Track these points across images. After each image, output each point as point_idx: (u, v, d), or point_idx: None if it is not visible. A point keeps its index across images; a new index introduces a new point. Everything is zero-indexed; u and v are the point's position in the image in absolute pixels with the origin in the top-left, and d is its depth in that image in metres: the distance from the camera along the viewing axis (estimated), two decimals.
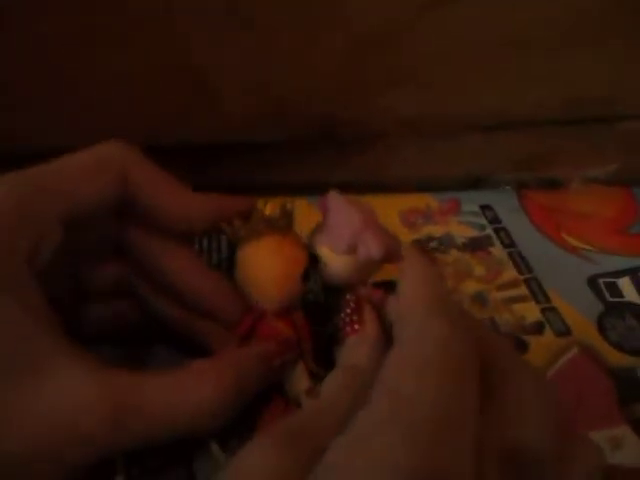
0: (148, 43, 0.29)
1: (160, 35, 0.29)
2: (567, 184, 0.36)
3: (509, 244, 0.33)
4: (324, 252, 0.22)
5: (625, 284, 0.30)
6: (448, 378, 0.15)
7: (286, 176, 0.35)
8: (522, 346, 0.28)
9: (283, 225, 0.22)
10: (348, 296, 0.22)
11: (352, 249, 0.21)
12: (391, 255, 0.21)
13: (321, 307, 0.23)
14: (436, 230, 0.34)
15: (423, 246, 0.33)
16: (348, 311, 0.21)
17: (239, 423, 0.20)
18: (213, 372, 0.19)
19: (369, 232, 0.21)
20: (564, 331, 0.28)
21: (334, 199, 0.22)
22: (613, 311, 0.29)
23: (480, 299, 0.30)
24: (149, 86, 0.31)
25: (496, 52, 0.31)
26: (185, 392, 0.18)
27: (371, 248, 0.20)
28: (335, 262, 0.22)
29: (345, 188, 0.26)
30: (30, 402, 0.16)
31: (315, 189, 0.35)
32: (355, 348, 0.20)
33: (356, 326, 0.21)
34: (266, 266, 0.22)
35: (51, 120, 0.32)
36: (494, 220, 0.34)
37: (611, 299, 0.30)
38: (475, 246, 0.33)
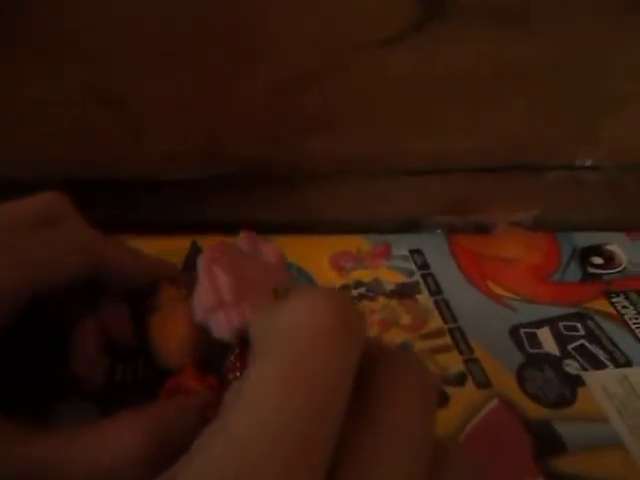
0: (81, 75, 0.28)
1: (87, 64, 0.28)
2: (494, 229, 0.37)
3: (436, 291, 0.33)
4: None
5: (544, 334, 0.31)
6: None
7: (215, 213, 0.34)
8: (444, 398, 0.28)
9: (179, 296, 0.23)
10: (234, 346, 0.22)
11: (206, 323, 0.21)
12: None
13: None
14: (365, 275, 0.34)
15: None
16: (232, 357, 0.21)
17: None
18: (135, 423, 0.19)
19: (219, 313, 0.21)
20: (485, 383, 0.29)
21: (208, 255, 0.22)
22: (532, 362, 0.30)
23: (405, 349, 0.30)
24: (76, 118, 0.30)
25: (427, 98, 0.32)
26: (106, 444, 0.18)
27: (217, 330, 0.21)
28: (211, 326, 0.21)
29: (278, 228, 0.26)
30: None
31: (248, 228, 0.35)
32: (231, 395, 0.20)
33: (238, 373, 0.21)
34: (167, 329, 0.22)
35: None
36: (423, 266, 0.35)
37: (531, 350, 0.30)
38: (403, 293, 0.33)
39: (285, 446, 0.12)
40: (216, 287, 0.21)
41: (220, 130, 0.31)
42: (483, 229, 0.36)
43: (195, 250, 0.33)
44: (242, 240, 0.24)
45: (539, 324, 0.32)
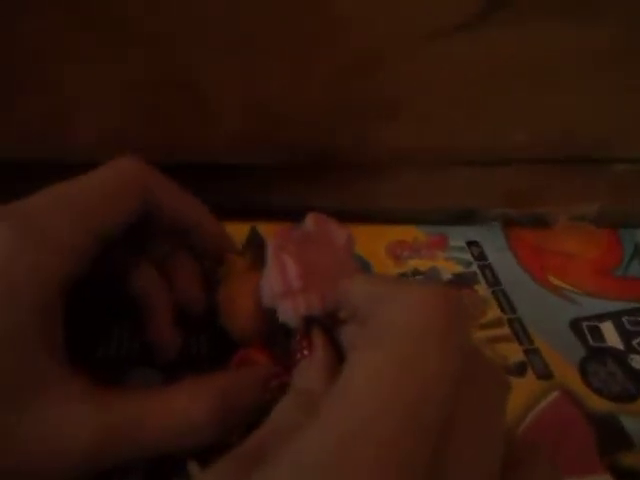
0: (146, 58, 0.29)
1: (152, 48, 0.29)
2: (554, 222, 0.36)
3: (494, 282, 0.33)
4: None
5: (607, 329, 0.30)
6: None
7: (276, 200, 0.35)
8: None
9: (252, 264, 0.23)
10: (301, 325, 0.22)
11: (273, 307, 0.22)
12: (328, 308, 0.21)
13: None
14: (422, 264, 0.34)
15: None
16: (298, 337, 0.22)
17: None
18: (202, 390, 0.20)
19: (286, 299, 0.21)
20: (546, 374, 0.28)
21: (277, 240, 0.23)
22: (595, 356, 0.29)
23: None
24: (140, 101, 0.31)
25: (490, 88, 0.31)
26: (174, 409, 0.19)
27: (283, 315, 0.22)
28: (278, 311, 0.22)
29: (334, 215, 0.26)
30: (29, 421, 0.18)
31: (304, 215, 0.36)
32: (305, 371, 0.20)
33: (305, 351, 0.21)
34: (236, 304, 0.23)
35: (46, 132, 0.32)
36: (480, 257, 0.34)
37: (593, 344, 0.30)
38: (460, 283, 0.33)
39: (398, 416, 0.12)
40: (284, 274, 0.22)
41: (284, 116, 0.31)
42: (542, 222, 0.36)
43: (255, 236, 0.34)
44: (310, 221, 0.24)
45: (602, 318, 0.31)
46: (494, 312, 0.31)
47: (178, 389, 0.20)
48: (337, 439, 0.12)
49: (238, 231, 0.35)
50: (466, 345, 0.15)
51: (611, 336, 0.30)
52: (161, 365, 0.25)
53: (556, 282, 0.33)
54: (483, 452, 0.14)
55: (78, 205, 0.21)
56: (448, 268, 0.34)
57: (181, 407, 0.19)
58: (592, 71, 0.31)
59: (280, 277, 0.21)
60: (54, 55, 0.29)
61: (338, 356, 0.21)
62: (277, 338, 0.24)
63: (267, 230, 0.34)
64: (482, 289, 0.32)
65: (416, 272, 0.33)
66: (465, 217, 0.36)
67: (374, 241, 0.35)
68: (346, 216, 0.34)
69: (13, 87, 0.30)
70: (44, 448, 0.18)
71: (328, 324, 0.22)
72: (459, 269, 0.34)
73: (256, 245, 0.31)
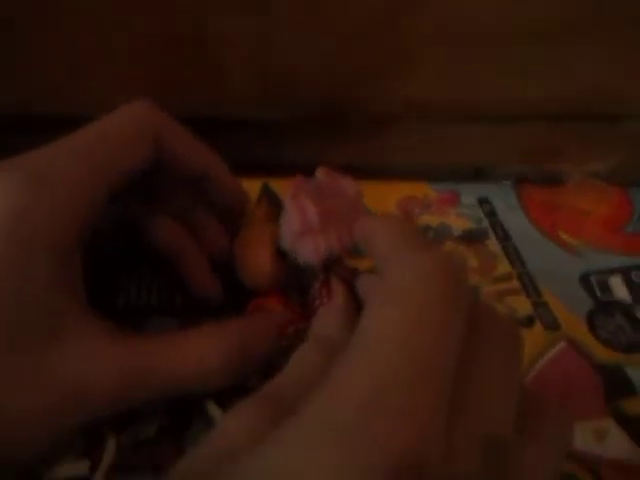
0: (160, 13, 0.29)
1: (172, 5, 0.29)
2: (567, 179, 0.36)
3: (504, 238, 0.33)
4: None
5: (616, 283, 0.31)
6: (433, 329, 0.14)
7: (288, 155, 0.35)
8: None
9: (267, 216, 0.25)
10: (319, 273, 0.23)
11: (293, 249, 0.22)
12: (343, 253, 0.22)
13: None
14: (433, 220, 0.34)
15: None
16: (317, 285, 0.22)
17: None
18: (218, 334, 0.20)
19: (307, 238, 0.22)
20: (554, 326, 0.29)
21: (295, 187, 0.23)
22: (603, 309, 0.30)
23: (474, 291, 0.30)
24: (154, 55, 0.31)
25: (504, 44, 0.31)
26: (191, 351, 0.20)
27: (304, 255, 0.22)
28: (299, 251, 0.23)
29: (347, 170, 0.26)
30: (50, 359, 0.18)
31: (313, 170, 0.36)
32: (324, 318, 0.21)
33: (325, 298, 0.22)
34: (251, 254, 0.23)
35: (52, 86, 0.32)
36: (491, 213, 0.35)
37: (602, 297, 0.30)
38: (471, 238, 0.33)
39: (415, 367, 0.13)
40: (303, 215, 0.22)
41: (298, 70, 0.31)
42: (555, 179, 0.36)
43: (267, 191, 0.34)
44: (321, 174, 0.25)
45: (611, 272, 0.31)
46: (504, 266, 0.32)
47: (194, 333, 0.21)
48: (358, 394, 0.13)
49: (250, 187, 0.35)
50: (472, 305, 0.16)
51: (619, 290, 0.30)
52: (180, 313, 0.26)
53: (566, 238, 0.33)
54: (499, 398, 0.15)
55: (90, 154, 0.21)
56: (459, 224, 0.34)
57: (196, 351, 0.20)
58: (607, 29, 0.31)
59: (299, 217, 0.22)
60: (69, 10, 0.29)
61: (355, 304, 0.22)
62: (294, 286, 0.25)
63: (279, 186, 0.35)
64: (492, 244, 0.33)
65: (427, 228, 0.33)
66: (477, 174, 0.37)
67: (385, 196, 0.35)
68: (358, 171, 0.34)
69: (30, 42, 0.30)
70: (67, 387, 0.18)
71: (345, 273, 0.23)
72: (470, 225, 0.34)
73: (269, 199, 0.31)
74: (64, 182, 0.20)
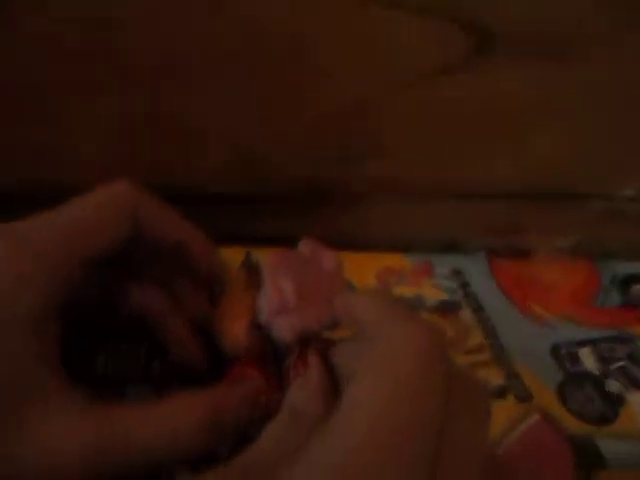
0: (137, 93, 0.31)
1: (149, 85, 0.31)
2: (534, 253, 0.38)
3: (477, 309, 0.34)
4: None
5: (585, 354, 0.32)
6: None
7: (269, 227, 0.36)
8: None
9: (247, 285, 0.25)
10: (295, 346, 0.23)
11: (269, 326, 0.23)
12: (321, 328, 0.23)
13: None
14: (408, 291, 0.35)
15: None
16: (293, 357, 0.23)
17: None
18: (191, 405, 0.21)
19: (282, 317, 0.23)
20: (526, 397, 0.29)
21: (274, 262, 0.24)
22: (573, 380, 0.30)
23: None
24: (125, 129, 0.33)
25: (473, 127, 0.33)
26: (164, 423, 0.20)
27: (279, 333, 0.23)
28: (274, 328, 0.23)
29: (326, 242, 0.27)
30: (23, 429, 0.18)
31: (295, 242, 0.37)
32: (298, 391, 0.21)
33: (300, 369, 0.22)
34: (230, 322, 0.25)
35: (41, 161, 0.33)
36: (464, 285, 0.36)
37: (572, 369, 0.31)
38: (445, 309, 0.34)
39: (400, 427, 0.14)
40: (280, 293, 0.23)
41: (268, 152, 0.33)
42: (523, 252, 0.37)
43: (249, 260, 0.35)
44: (304, 246, 0.26)
45: (580, 344, 0.32)
46: (477, 338, 0.32)
47: (169, 401, 0.21)
48: (345, 450, 0.14)
49: (234, 255, 0.36)
50: (451, 371, 0.17)
51: (588, 361, 0.31)
52: (157, 381, 0.26)
53: (537, 310, 0.34)
54: (470, 459, 0.16)
55: (67, 229, 0.21)
56: (433, 295, 0.35)
57: (171, 418, 0.20)
58: (568, 112, 0.33)
59: (276, 295, 0.22)
60: (53, 87, 0.30)
61: (331, 378, 0.22)
62: (270, 357, 0.25)
63: (262, 254, 0.36)
64: (466, 315, 0.34)
65: (402, 299, 0.34)
66: (450, 246, 0.38)
67: (364, 268, 0.36)
68: (337, 243, 0.36)
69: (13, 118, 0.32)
70: (42, 459, 0.18)
71: (321, 347, 0.23)
72: (444, 296, 0.35)
73: (250, 268, 0.32)
74: (39, 254, 0.20)
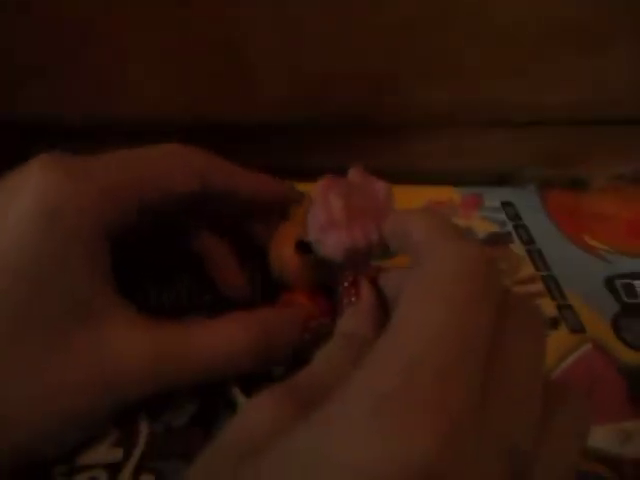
0: (185, 20, 0.30)
1: (196, 11, 0.30)
2: (591, 183, 0.36)
3: (528, 241, 0.33)
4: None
5: None
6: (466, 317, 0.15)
7: (317, 161, 0.36)
8: None
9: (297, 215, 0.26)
10: (347, 272, 0.23)
11: (319, 242, 0.23)
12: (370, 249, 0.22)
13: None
14: (458, 223, 0.34)
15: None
16: (345, 284, 0.23)
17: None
18: (245, 320, 0.22)
19: (331, 232, 0.22)
20: (579, 328, 0.29)
21: (324, 184, 0.23)
22: (628, 311, 0.30)
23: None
24: (184, 63, 0.32)
25: (529, 48, 0.32)
26: (220, 334, 0.21)
27: (326, 248, 0.22)
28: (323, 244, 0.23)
29: (374, 174, 0.27)
30: (84, 340, 0.19)
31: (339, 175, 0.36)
32: (350, 317, 0.22)
33: (353, 298, 0.22)
34: (281, 251, 0.25)
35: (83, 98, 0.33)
36: (514, 217, 0.35)
37: (627, 300, 0.30)
38: (495, 241, 0.33)
39: (450, 353, 0.14)
40: (329, 209, 0.23)
41: (327, 76, 0.32)
42: (579, 183, 0.36)
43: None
44: (354, 174, 0.25)
45: (636, 276, 0.31)
46: (528, 269, 0.32)
47: (223, 319, 0.22)
48: (399, 369, 0.13)
49: None
50: (505, 295, 0.16)
51: None
52: (209, 310, 0.27)
53: (591, 242, 0.33)
54: (528, 380, 0.16)
55: (131, 167, 0.22)
56: (483, 227, 0.34)
57: (224, 334, 0.21)
58: (629, 33, 0.31)
59: (325, 212, 0.22)
60: (110, 20, 0.30)
61: (382, 304, 0.22)
62: (322, 282, 0.26)
63: (308, 190, 0.35)
64: (517, 247, 0.33)
65: None
66: (501, 179, 0.37)
67: (411, 201, 0.35)
68: (384, 175, 0.35)
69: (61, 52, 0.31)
70: (101, 365, 0.19)
71: (372, 274, 0.23)
72: (493, 228, 0.34)
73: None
74: (102, 190, 0.21)
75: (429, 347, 0.14)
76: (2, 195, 0.20)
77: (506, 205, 0.36)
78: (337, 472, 0.12)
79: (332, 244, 0.22)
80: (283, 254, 0.25)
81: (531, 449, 0.15)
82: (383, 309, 0.22)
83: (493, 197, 0.36)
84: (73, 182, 0.20)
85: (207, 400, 0.23)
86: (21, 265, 0.19)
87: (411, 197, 0.35)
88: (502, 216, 0.35)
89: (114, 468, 0.21)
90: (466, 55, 0.31)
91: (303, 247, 0.24)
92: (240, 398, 0.23)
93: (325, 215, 0.22)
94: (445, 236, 0.18)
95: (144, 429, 0.22)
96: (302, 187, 0.35)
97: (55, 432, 0.19)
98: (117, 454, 0.22)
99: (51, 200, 0.19)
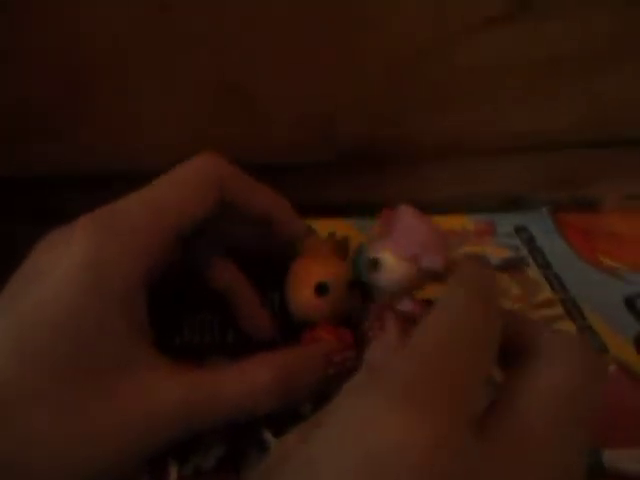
0: (195, 62, 0.31)
1: (207, 54, 0.31)
2: (604, 204, 0.36)
3: (544, 265, 0.33)
4: (386, 256, 0.23)
5: None
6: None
7: (327, 197, 0.36)
8: None
9: (331, 249, 0.26)
10: (372, 305, 0.24)
11: (416, 257, 0.23)
12: (445, 271, 0.22)
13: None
14: (472, 251, 0.35)
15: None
16: (371, 318, 0.23)
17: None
18: (268, 360, 0.22)
19: (434, 245, 0.22)
20: (602, 349, 0.29)
21: (405, 211, 0.24)
22: None
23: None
24: (195, 106, 0.33)
25: (532, 72, 0.32)
26: (245, 376, 0.21)
27: (434, 260, 0.22)
28: (396, 266, 0.23)
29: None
30: (121, 389, 0.20)
31: (354, 209, 0.37)
32: (377, 349, 0.22)
33: (378, 331, 0.22)
34: (295, 289, 0.25)
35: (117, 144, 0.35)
36: (529, 241, 0.35)
37: None
38: (510, 267, 0.34)
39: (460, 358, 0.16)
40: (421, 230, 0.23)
41: (330, 115, 0.33)
42: (591, 204, 0.36)
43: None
44: (406, 210, 0.25)
45: None
46: (545, 293, 0.32)
47: (247, 362, 0.22)
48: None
49: None
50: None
51: None
52: (232, 350, 0.27)
53: (608, 262, 0.33)
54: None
55: (160, 204, 0.23)
56: (497, 254, 0.34)
57: (250, 375, 0.21)
58: (635, 54, 0.31)
59: (420, 232, 0.23)
60: (120, 65, 0.31)
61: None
62: (344, 319, 0.26)
63: (320, 225, 0.36)
64: (532, 271, 0.33)
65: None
66: (513, 203, 0.37)
67: None
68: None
69: (84, 102, 0.33)
70: (137, 413, 0.20)
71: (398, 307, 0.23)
72: (508, 254, 0.34)
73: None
74: (132, 233, 0.22)
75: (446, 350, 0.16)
76: (49, 254, 0.21)
77: (520, 230, 0.36)
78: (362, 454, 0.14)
79: (437, 257, 0.22)
80: (302, 296, 0.25)
81: None
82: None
83: (506, 223, 0.36)
84: (113, 240, 0.21)
85: (235, 442, 0.23)
86: (60, 320, 0.19)
87: None
88: (516, 241, 0.35)
89: None
90: (469, 86, 0.32)
91: (320, 289, 0.25)
92: (270, 439, 0.23)
93: (426, 230, 0.23)
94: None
95: (173, 472, 0.22)
96: (315, 223, 0.36)
97: (90, 473, 0.20)
98: None
99: (92, 259, 0.20)
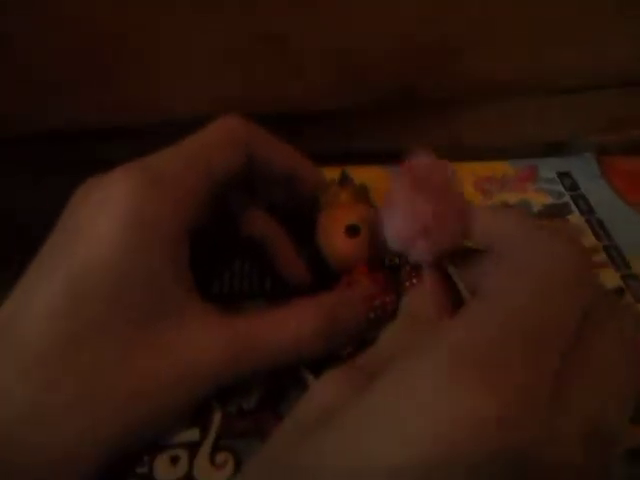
0: (229, 11, 0.31)
1: (240, 2, 0.31)
2: None
3: (587, 211, 0.32)
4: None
5: None
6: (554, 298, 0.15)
7: (364, 142, 0.36)
8: None
9: (352, 196, 0.26)
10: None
11: (406, 244, 0.22)
12: (457, 242, 0.21)
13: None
14: (511, 197, 0.34)
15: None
16: (408, 268, 0.23)
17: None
18: (311, 306, 0.22)
19: (423, 239, 0.21)
20: None
21: (401, 180, 0.22)
22: None
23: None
24: (229, 54, 0.33)
25: (580, 9, 0.30)
26: (288, 324, 0.22)
27: (420, 256, 0.21)
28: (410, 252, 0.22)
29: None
30: (167, 337, 0.20)
31: (392, 155, 0.36)
32: (415, 298, 0.22)
33: (414, 280, 0.22)
34: (327, 236, 0.25)
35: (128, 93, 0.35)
36: (572, 187, 0.34)
37: None
38: (552, 213, 0.33)
39: (532, 334, 0.15)
40: (418, 216, 0.21)
41: (367, 58, 0.32)
42: (638, 148, 0.35)
43: (346, 177, 0.35)
44: (420, 157, 0.24)
45: None
46: (589, 240, 0.31)
47: (289, 308, 0.22)
48: (489, 328, 0.15)
49: (330, 175, 0.36)
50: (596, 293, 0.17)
51: None
52: (269, 296, 0.28)
53: None
54: (608, 388, 0.16)
55: (195, 158, 0.23)
56: (538, 200, 0.33)
57: (293, 323, 0.22)
58: None
59: (413, 220, 0.20)
60: (150, 21, 0.31)
61: (446, 285, 0.22)
62: (379, 263, 0.26)
63: (357, 173, 0.36)
64: (575, 218, 0.32)
65: (505, 205, 0.33)
66: (555, 148, 0.36)
67: (461, 178, 0.35)
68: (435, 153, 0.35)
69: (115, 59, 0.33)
70: (184, 361, 0.21)
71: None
72: (550, 200, 0.33)
73: (347, 184, 0.32)
74: (173, 184, 0.22)
75: (521, 316, 0.15)
76: (89, 208, 0.21)
77: (563, 175, 0.35)
78: (414, 423, 0.13)
79: (421, 252, 0.21)
80: (335, 241, 0.25)
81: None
82: (446, 294, 0.22)
83: (549, 168, 0.35)
84: (154, 188, 0.21)
85: (275, 382, 0.24)
86: (112, 280, 0.20)
87: (461, 173, 0.35)
88: (559, 187, 0.34)
89: (193, 447, 0.22)
90: (510, 24, 0.31)
91: (351, 230, 0.25)
92: (309, 378, 0.24)
93: (414, 224, 0.20)
94: (535, 232, 0.18)
95: (217, 411, 0.23)
96: (351, 171, 0.36)
97: (144, 423, 0.20)
98: (194, 434, 0.23)
99: (137, 208, 0.21)
